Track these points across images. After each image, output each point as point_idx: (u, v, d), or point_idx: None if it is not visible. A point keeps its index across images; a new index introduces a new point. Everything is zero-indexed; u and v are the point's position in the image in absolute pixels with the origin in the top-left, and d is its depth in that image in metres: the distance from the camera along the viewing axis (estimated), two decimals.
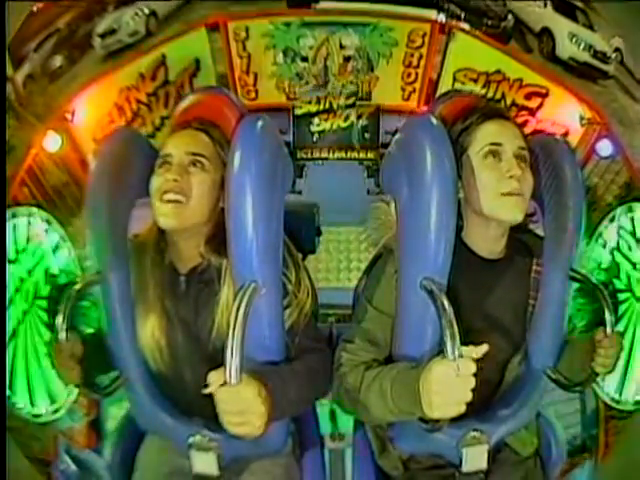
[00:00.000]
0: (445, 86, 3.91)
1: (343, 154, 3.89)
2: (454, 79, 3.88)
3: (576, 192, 1.48)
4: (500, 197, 1.42)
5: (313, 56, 3.99)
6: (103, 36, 4.90)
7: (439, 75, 3.96)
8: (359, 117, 3.81)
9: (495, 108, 1.55)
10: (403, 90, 4.04)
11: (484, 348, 1.19)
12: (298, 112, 3.80)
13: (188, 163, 1.48)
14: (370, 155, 3.84)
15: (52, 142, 2.87)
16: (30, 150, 2.70)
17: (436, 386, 1.19)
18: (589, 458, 2.53)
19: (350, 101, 3.83)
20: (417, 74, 3.98)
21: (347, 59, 4.00)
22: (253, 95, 4.07)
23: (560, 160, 1.49)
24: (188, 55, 3.80)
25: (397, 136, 1.50)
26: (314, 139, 3.88)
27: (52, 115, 3.23)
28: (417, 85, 4.01)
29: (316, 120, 3.82)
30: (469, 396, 1.17)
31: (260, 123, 1.40)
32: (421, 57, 3.94)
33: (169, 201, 1.44)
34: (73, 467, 2.47)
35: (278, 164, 1.43)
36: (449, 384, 1.17)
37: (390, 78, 4.01)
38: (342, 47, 3.98)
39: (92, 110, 3.28)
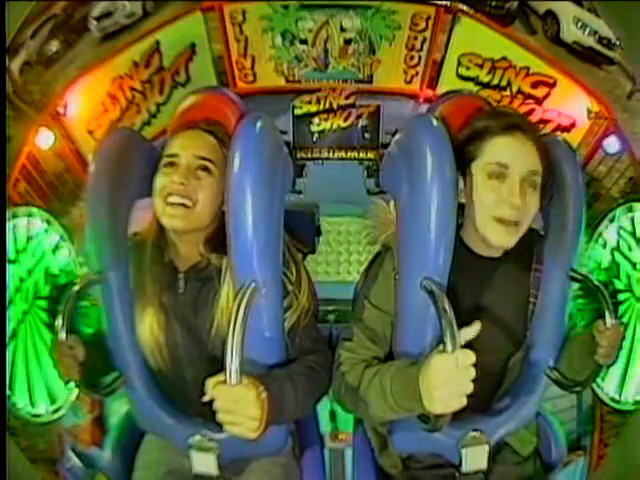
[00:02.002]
0: (449, 70, 3.94)
1: (343, 154, 3.93)
2: (458, 63, 3.89)
3: (576, 192, 1.52)
4: (494, 221, 1.45)
5: (312, 39, 4.00)
6: (99, 19, 4.90)
7: (443, 59, 3.97)
8: (359, 117, 3.83)
9: (513, 119, 1.49)
10: (405, 73, 4.06)
11: (477, 327, 1.25)
12: (298, 112, 3.81)
13: (196, 167, 1.52)
14: (370, 155, 3.88)
15: (45, 139, 2.90)
16: (24, 147, 2.73)
17: (436, 379, 1.23)
18: (583, 455, 2.58)
19: (350, 101, 3.84)
20: (420, 57, 4.00)
21: (348, 42, 4.01)
22: (251, 78, 4.08)
23: (560, 160, 1.52)
24: (183, 40, 3.80)
25: (397, 136, 1.55)
26: (314, 139, 3.92)
27: (48, 102, 3.26)
28: (420, 68, 4.02)
29: (316, 120, 3.85)
30: (470, 387, 1.21)
31: (260, 123, 1.44)
32: (425, 40, 3.94)
33: (173, 204, 1.48)
34: (80, 465, 2.52)
35: (278, 164, 1.48)
36: (449, 376, 1.21)
37: (392, 61, 4.03)
38: (343, 30, 3.99)
39: (85, 101, 3.30)
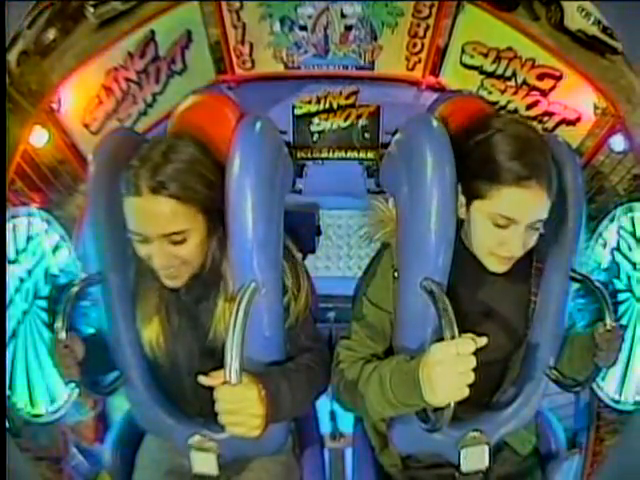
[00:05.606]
0: (453, 58, 3.92)
1: (343, 154, 3.93)
2: (462, 51, 3.88)
3: (577, 192, 1.55)
4: (491, 255, 1.49)
5: (312, 25, 4.00)
6: (96, 5, 4.91)
7: (446, 46, 3.98)
8: (359, 117, 3.85)
9: (530, 170, 1.39)
10: (408, 60, 4.04)
11: (484, 340, 1.26)
12: (298, 112, 3.81)
13: None
14: (370, 155, 3.87)
15: (39, 137, 2.93)
16: (19, 146, 2.77)
17: (437, 367, 1.25)
18: (579, 453, 2.63)
19: (350, 101, 3.86)
20: (423, 44, 3.97)
21: (349, 28, 4.01)
22: (249, 65, 4.08)
23: (561, 161, 1.53)
24: (179, 27, 3.79)
25: (397, 136, 1.58)
26: (314, 139, 3.91)
27: (44, 93, 3.28)
28: (423, 55, 4.00)
29: (316, 120, 3.84)
30: (471, 377, 1.23)
31: (259, 123, 1.48)
32: (428, 28, 3.92)
33: None
34: (84, 462, 2.58)
35: (278, 164, 1.51)
36: (450, 364, 1.24)
37: (394, 48, 4.00)
38: (344, 16, 4.00)
39: (79, 95, 3.29)
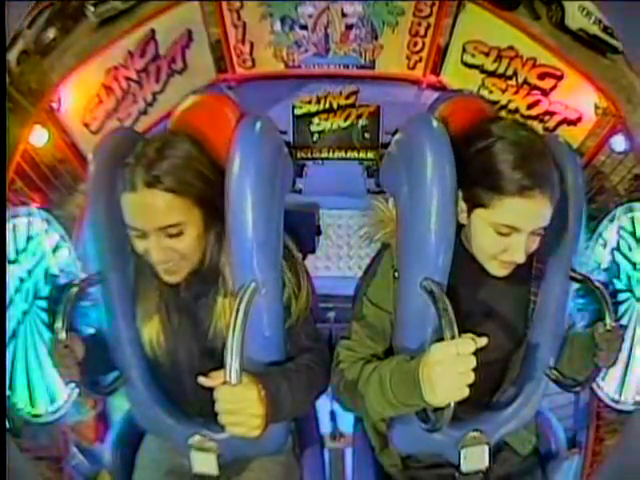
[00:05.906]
0: (453, 57, 3.94)
1: (343, 154, 3.94)
2: (463, 50, 3.90)
3: (577, 193, 1.55)
4: (493, 260, 1.49)
5: (313, 24, 4.01)
6: (96, 5, 4.91)
7: (447, 45, 3.99)
8: (359, 117, 3.86)
9: (534, 179, 1.38)
10: (409, 59, 4.06)
11: (484, 340, 1.26)
12: (298, 112, 3.83)
13: None
14: (370, 155, 3.90)
15: (39, 137, 2.94)
16: (18, 145, 2.78)
17: (436, 367, 1.26)
18: (578, 453, 2.65)
19: (350, 101, 3.86)
20: (424, 43, 3.99)
21: (349, 27, 4.02)
22: (250, 64, 4.10)
23: (562, 161, 1.53)
24: (179, 26, 3.81)
25: (397, 136, 1.58)
26: (314, 139, 3.93)
27: (44, 92, 3.29)
28: (423, 54, 4.02)
29: (316, 120, 3.87)
30: (471, 377, 1.23)
31: (259, 123, 1.48)
32: (429, 27, 3.94)
33: None
34: (85, 462, 2.60)
35: (278, 164, 1.51)
36: (450, 364, 1.24)
37: (395, 47, 4.02)
38: (344, 15, 4.01)
39: (79, 94, 3.33)
